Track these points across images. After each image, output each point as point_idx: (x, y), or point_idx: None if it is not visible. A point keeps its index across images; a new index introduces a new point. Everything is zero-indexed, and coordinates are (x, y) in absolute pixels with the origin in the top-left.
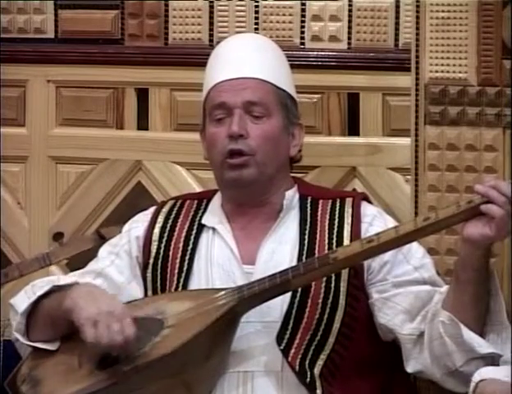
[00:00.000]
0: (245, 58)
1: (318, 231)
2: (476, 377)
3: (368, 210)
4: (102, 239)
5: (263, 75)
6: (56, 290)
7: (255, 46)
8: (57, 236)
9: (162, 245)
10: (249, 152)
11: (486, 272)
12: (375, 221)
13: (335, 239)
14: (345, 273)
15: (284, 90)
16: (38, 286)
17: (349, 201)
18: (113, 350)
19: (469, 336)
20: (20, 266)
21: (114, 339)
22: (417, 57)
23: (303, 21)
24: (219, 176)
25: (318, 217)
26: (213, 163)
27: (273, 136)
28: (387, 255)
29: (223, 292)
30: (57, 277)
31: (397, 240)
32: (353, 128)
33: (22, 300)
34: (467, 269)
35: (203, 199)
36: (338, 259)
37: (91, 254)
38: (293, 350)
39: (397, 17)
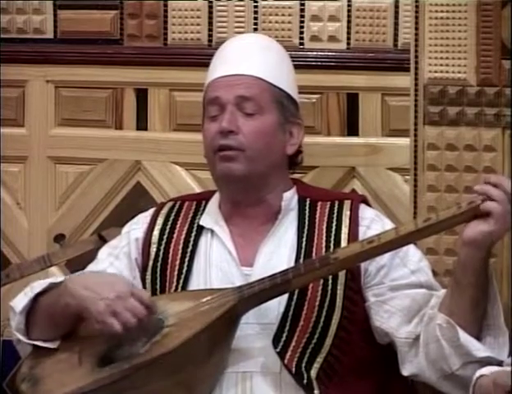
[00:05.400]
0: (243, 56)
1: (316, 234)
2: (477, 375)
3: (367, 213)
4: (103, 241)
5: (259, 72)
6: (53, 287)
7: (256, 45)
8: (59, 238)
9: (162, 247)
10: (238, 147)
11: (486, 276)
12: (373, 224)
13: (332, 242)
14: (341, 276)
15: (281, 89)
16: (37, 286)
17: (347, 204)
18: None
19: (466, 339)
20: (21, 267)
21: (138, 312)
22: (416, 57)
23: (302, 21)
24: (213, 172)
25: (316, 220)
26: (208, 160)
27: (265, 133)
28: (384, 259)
29: (223, 292)
30: (55, 277)
31: (397, 241)
32: (352, 128)
33: (21, 301)
34: (467, 273)
35: (202, 200)
36: (339, 260)
37: (91, 256)
38: (289, 353)
39: (396, 17)
